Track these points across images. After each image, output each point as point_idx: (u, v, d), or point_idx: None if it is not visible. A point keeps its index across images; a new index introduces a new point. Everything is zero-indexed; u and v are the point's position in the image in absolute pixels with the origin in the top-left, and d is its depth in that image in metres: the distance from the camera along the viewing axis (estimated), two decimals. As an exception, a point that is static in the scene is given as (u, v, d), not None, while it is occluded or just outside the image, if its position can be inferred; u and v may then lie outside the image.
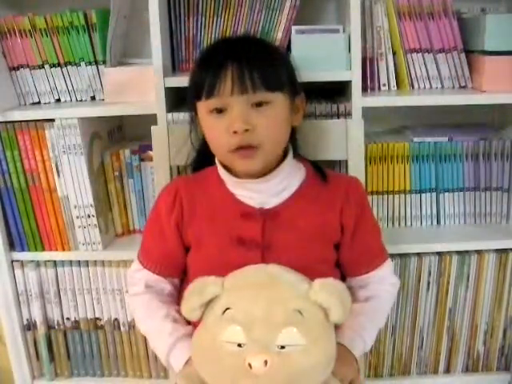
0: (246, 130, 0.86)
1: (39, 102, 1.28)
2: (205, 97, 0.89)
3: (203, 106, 0.91)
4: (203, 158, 1.02)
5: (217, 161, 0.97)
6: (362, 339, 0.94)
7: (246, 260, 0.87)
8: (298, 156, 1.00)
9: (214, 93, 0.87)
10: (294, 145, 1.00)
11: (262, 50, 0.92)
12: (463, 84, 1.24)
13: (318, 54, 1.14)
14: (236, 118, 0.87)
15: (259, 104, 0.88)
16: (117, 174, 1.28)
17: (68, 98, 1.28)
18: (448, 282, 1.27)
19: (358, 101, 1.15)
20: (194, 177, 1.03)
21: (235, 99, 0.87)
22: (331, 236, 0.96)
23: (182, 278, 1.02)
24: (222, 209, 0.95)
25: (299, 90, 0.97)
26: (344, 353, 0.89)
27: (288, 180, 0.96)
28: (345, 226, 0.96)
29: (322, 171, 0.99)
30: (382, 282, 1.01)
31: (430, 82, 1.24)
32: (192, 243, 0.97)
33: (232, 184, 0.96)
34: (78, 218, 1.23)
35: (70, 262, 1.29)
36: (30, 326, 1.33)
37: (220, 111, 0.89)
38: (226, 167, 0.96)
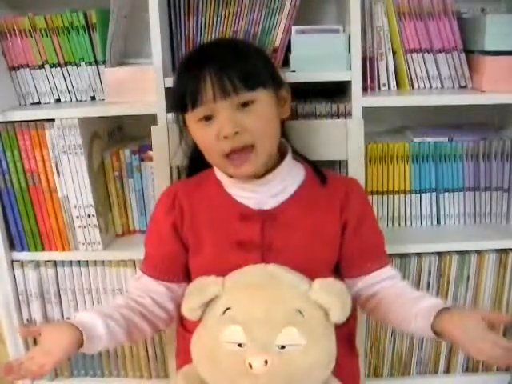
0: (236, 133, 0.86)
1: (39, 102, 1.28)
2: (190, 107, 0.89)
3: (191, 117, 0.91)
4: (196, 163, 1.02)
5: None
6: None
7: (246, 262, 0.88)
8: (297, 157, 1.00)
9: (197, 102, 0.87)
10: (292, 145, 1.00)
11: (236, 51, 0.92)
12: (463, 84, 1.24)
13: (318, 54, 1.14)
14: (224, 122, 0.87)
15: (244, 104, 0.88)
16: (117, 173, 1.28)
17: (68, 98, 1.28)
18: (448, 282, 1.27)
19: (358, 101, 1.15)
20: (191, 180, 1.03)
21: (219, 104, 0.87)
22: (330, 237, 0.96)
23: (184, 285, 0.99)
24: (221, 211, 0.95)
25: (282, 82, 0.96)
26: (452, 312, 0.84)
27: (287, 181, 0.95)
28: (347, 221, 0.95)
29: (321, 173, 0.99)
30: (392, 279, 0.98)
31: (430, 82, 1.24)
32: (191, 246, 0.96)
33: (230, 185, 0.96)
34: (78, 217, 1.23)
35: (70, 262, 1.28)
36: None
37: (208, 118, 0.89)
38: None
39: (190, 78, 0.89)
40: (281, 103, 0.95)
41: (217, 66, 0.87)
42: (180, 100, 0.91)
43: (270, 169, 0.94)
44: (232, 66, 0.88)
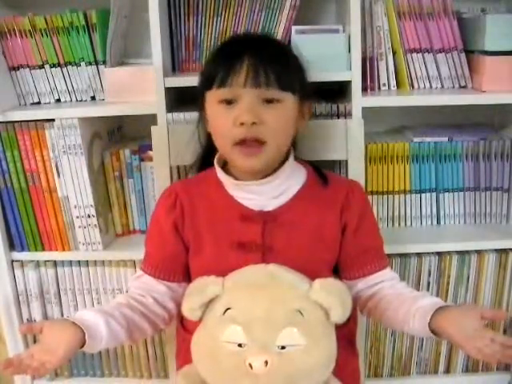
0: (254, 123, 0.86)
1: (39, 102, 1.28)
2: (216, 86, 0.89)
3: (213, 96, 0.90)
4: (209, 155, 1.01)
5: (215, 163, 0.97)
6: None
7: (247, 263, 0.87)
8: (298, 158, 1.00)
9: (226, 83, 0.87)
10: (294, 147, 0.99)
11: (279, 49, 0.93)
12: (463, 84, 1.24)
13: (318, 54, 1.14)
14: (245, 109, 0.86)
15: (270, 101, 0.88)
16: (117, 173, 1.28)
17: (68, 98, 1.28)
18: (448, 283, 1.27)
19: (358, 101, 1.15)
20: (192, 180, 1.03)
21: (247, 91, 0.87)
22: (331, 238, 0.96)
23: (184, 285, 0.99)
24: (222, 212, 0.95)
25: (309, 96, 0.97)
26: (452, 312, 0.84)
27: (288, 182, 0.95)
28: (347, 223, 0.96)
29: (323, 175, 0.99)
30: (391, 280, 0.98)
31: (430, 82, 1.24)
32: (192, 246, 0.96)
33: (231, 186, 0.95)
34: (78, 218, 1.23)
35: (70, 262, 1.29)
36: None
37: (229, 102, 0.88)
38: (224, 169, 0.96)
39: (227, 58, 0.89)
40: (300, 115, 0.95)
41: (257, 55, 0.88)
42: (210, 75, 0.90)
43: (272, 170, 0.93)
44: (271, 61, 0.88)
